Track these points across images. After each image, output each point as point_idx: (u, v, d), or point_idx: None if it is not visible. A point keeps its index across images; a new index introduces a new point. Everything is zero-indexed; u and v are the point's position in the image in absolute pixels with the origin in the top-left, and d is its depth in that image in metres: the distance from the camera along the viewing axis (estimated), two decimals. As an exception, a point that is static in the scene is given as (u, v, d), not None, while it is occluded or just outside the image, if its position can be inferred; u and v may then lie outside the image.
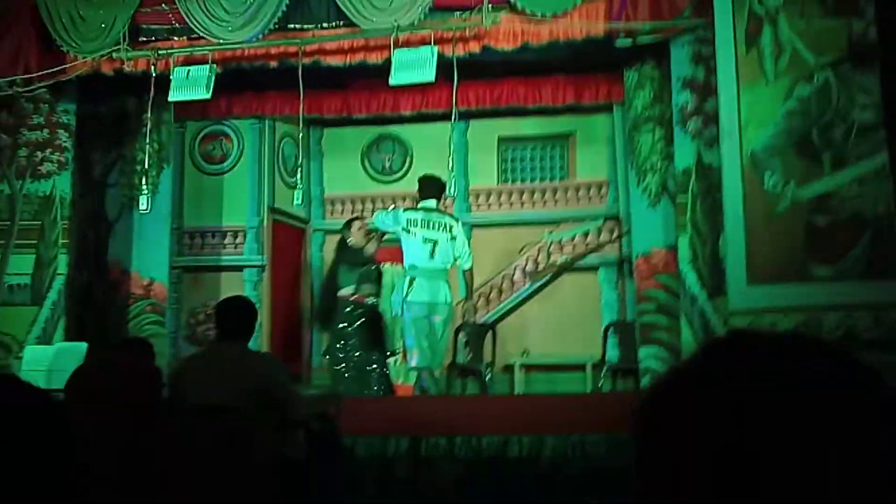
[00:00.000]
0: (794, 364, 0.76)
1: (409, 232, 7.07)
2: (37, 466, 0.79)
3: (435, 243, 7.05)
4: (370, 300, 7.57)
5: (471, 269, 7.28)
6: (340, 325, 7.48)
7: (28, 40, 7.63)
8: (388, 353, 7.90)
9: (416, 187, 7.50)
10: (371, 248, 7.67)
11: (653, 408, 0.80)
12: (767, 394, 0.74)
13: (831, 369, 0.77)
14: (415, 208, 7.29)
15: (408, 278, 7.04)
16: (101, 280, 8.17)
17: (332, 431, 5.71)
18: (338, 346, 7.50)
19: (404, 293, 7.01)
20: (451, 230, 7.14)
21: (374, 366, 7.44)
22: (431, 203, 7.21)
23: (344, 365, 7.41)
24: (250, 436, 4.87)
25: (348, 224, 8.02)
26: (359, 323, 7.46)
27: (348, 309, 7.46)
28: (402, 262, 9.56)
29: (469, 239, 7.42)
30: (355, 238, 7.67)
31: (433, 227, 7.11)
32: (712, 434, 0.74)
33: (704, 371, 0.79)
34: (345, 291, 7.54)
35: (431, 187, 7.29)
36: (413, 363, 7.13)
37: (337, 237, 8.31)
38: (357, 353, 7.42)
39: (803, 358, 0.77)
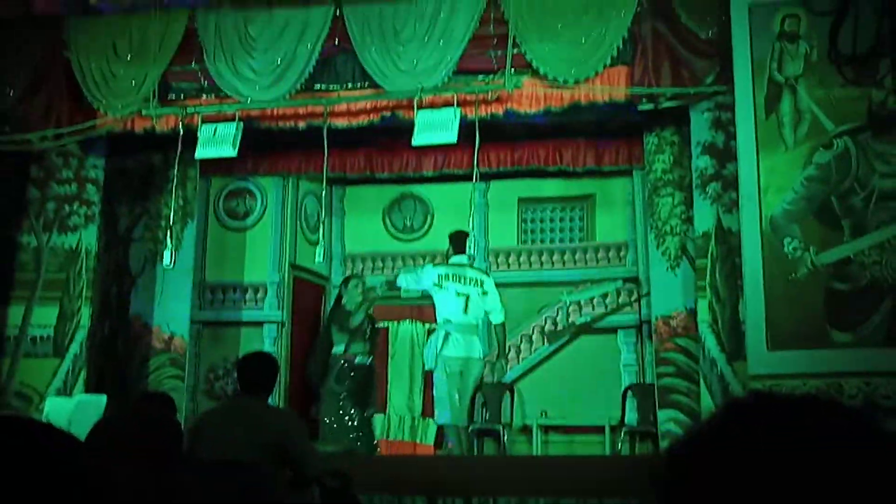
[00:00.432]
0: (814, 424, 0.78)
1: (441, 287, 7.12)
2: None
3: (467, 298, 7.09)
4: (359, 359, 7.69)
5: (502, 324, 7.31)
6: (332, 384, 7.59)
7: (60, 96, 7.80)
8: (372, 413, 8.01)
9: (447, 244, 7.55)
10: (363, 309, 7.80)
11: (676, 466, 0.82)
12: (789, 453, 0.76)
13: (850, 429, 0.78)
14: (446, 264, 7.34)
15: (442, 332, 7.06)
16: (123, 333, 8.24)
17: (346, 489, 5.70)
18: (330, 403, 7.62)
19: (438, 347, 7.01)
20: (482, 285, 7.20)
21: (355, 423, 7.56)
22: (462, 258, 7.26)
23: (335, 422, 7.49)
24: (266, 491, 4.87)
25: (345, 282, 8.21)
26: (349, 381, 7.60)
27: (339, 367, 7.61)
28: (421, 318, 9.64)
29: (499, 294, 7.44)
30: (350, 297, 7.84)
31: (465, 282, 7.16)
32: (735, 493, 0.76)
33: (727, 430, 0.80)
34: (336, 350, 7.70)
35: (462, 243, 7.35)
36: (442, 419, 7.09)
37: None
38: (351, 411, 7.53)
39: (823, 418, 0.79)
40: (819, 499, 0.74)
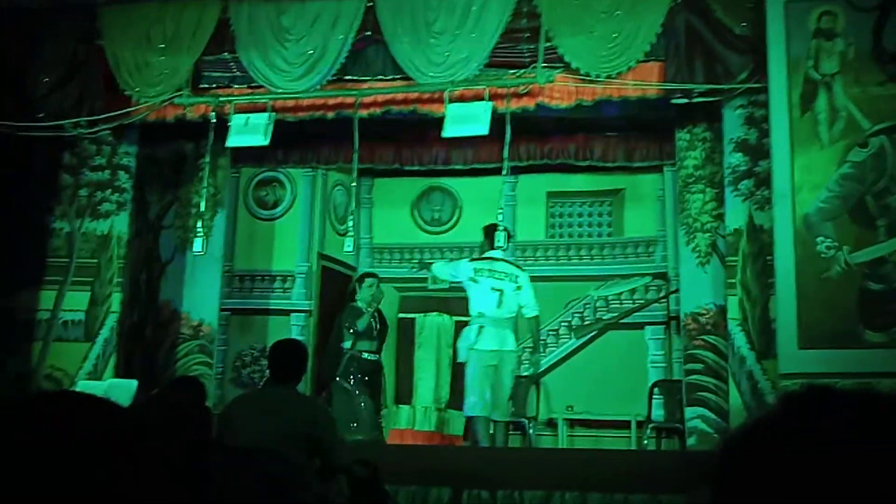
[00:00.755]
0: (875, 419, 0.78)
1: (475, 281, 7.13)
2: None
3: (501, 292, 7.10)
4: (366, 356, 7.81)
5: (536, 318, 7.31)
6: (341, 378, 7.74)
7: (93, 84, 7.87)
8: (379, 409, 8.13)
9: (480, 236, 7.54)
10: (368, 312, 7.94)
11: (732, 459, 0.81)
12: (850, 448, 0.75)
13: None
14: (481, 258, 7.33)
15: (476, 326, 7.07)
16: (153, 319, 8.31)
17: (374, 478, 5.73)
18: (339, 397, 7.70)
19: (472, 341, 7.02)
20: (516, 280, 7.21)
21: (366, 417, 7.64)
22: (497, 253, 7.26)
23: (346, 416, 7.56)
24: (294, 479, 4.91)
25: (360, 279, 8.27)
26: (356, 377, 7.67)
27: (347, 362, 7.69)
28: (447, 310, 9.66)
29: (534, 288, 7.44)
30: (362, 295, 7.91)
31: (500, 277, 7.16)
32: (794, 488, 0.76)
33: (786, 424, 0.80)
34: (345, 345, 7.80)
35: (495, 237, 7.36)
36: (470, 412, 7.10)
37: (382, 286, 8.43)
38: (361, 404, 7.61)
39: (885, 413, 0.79)
40: (882, 498, 0.73)
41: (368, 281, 8.20)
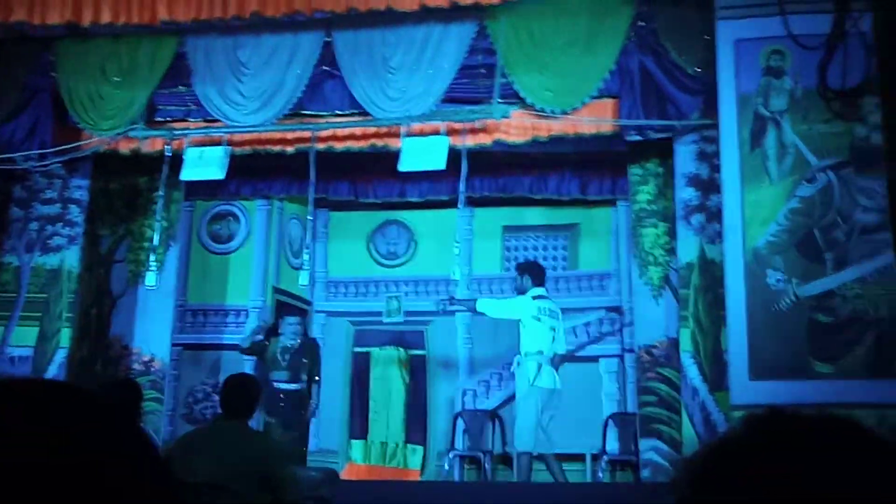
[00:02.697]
0: (834, 440, 0.80)
1: (539, 320, 7.13)
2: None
3: (555, 331, 7.15)
4: (279, 385, 7.79)
5: (565, 354, 7.38)
6: (267, 410, 7.74)
7: (45, 116, 7.80)
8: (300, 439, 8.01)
9: (523, 274, 7.44)
10: (279, 344, 7.95)
11: (694, 478, 0.83)
12: (809, 468, 0.77)
13: (869, 448, 0.80)
14: (540, 297, 7.29)
15: (535, 363, 7.06)
16: (103, 355, 8.18)
17: (329, 515, 5.66)
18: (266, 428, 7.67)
19: (531, 378, 7.02)
20: (559, 318, 7.27)
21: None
22: (544, 291, 7.29)
23: None
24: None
25: (280, 320, 8.31)
26: (274, 409, 7.67)
27: (272, 394, 7.64)
28: (402, 344, 9.63)
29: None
30: (284, 332, 8.00)
31: (555, 316, 7.22)
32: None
33: (746, 444, 0.82)
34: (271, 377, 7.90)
35: (541, 275, 7.39)
36: (522, 447, 7.10)
37: (336, 319, 8.39)
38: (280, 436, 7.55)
39: (842, 435, 0.81)
40: None
41: (290, 319, 8.19)
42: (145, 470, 0.80)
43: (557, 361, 7.27)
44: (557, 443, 7.21)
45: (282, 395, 7.80)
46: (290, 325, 8.09)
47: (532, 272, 7.43)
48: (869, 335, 5.78)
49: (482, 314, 7.58)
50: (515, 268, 7.83)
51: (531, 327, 7.13)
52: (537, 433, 7.04)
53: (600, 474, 7.93)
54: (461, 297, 7.74)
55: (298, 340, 8.04)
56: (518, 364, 7.19)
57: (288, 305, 9.10)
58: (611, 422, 8.26)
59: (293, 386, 7.88)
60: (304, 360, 8.01)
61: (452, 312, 9.54)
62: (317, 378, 8.06)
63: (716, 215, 6.67)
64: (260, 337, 8.23)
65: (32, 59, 7.83)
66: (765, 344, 5.96)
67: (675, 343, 7.01)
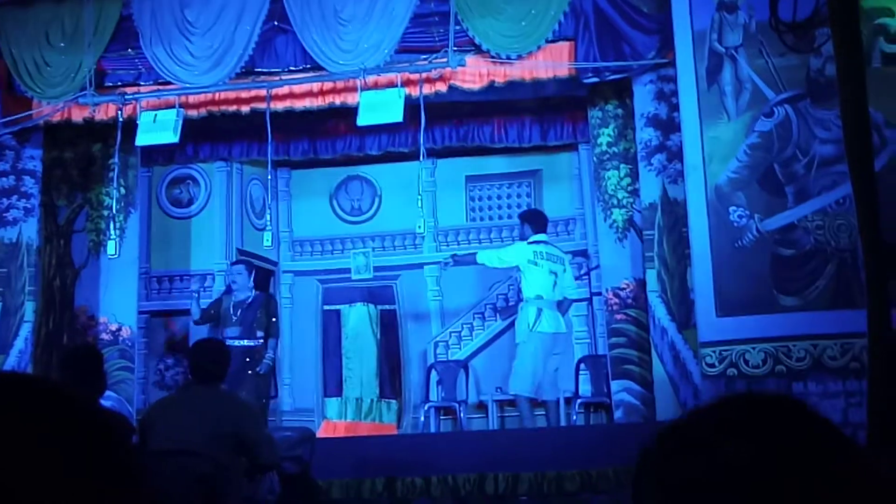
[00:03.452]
0: (771, 423, 0.81)
1: (536, 264, 7.11)
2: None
3: (556, 275, 7.12)
4: (236, 343, 7.39)
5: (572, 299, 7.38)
6: None
7: (-8, 87, 7.62)
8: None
9: (523, 223, 7.44)
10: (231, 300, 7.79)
11: (644, 460, 0.84)
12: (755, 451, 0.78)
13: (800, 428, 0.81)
14: (536, 241, 7.26)
15: (535, 308, 7.06)
16: (69, 327, 8.09)
17: (305, 474, 5.68)
18: None
19: (531, 323, 7.03)
20: (563, 262, 7.25)
21: None
22: (544, 237, 7.27)
23: None
24: (222, 479, 4.82)
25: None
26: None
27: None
28: (372, 301, 9.63)
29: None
30: (232, 282, 7.87)
31: (555, 260, 7.18)
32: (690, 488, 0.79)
33: (687, 429, 0.83)
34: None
35: (541, 221, 7.37)
36: (518, 391, 7.13)
37: (304, 278, 8.30)
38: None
39: (781, 417, 0.82)
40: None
41: (235, 268, 8.00)
42: (106, 464, 0.77)
43: (567, 305, 7.30)
44: (553, 388, 7.23)
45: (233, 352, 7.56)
46: (236, 273, 7.86)
47: (531, 219, 7.44)
48: (830, 266, 5.84)
49: (483, 265, 7.54)
50: (518, 217, 7.85)
51: (529, 273, 7.14)
52: (539, 378, 7.06)
53: (574, 417, 8.00)
54: (445, 251, 7.66)
55: (251, 294, 7.83)
56: (520, 310, 7.21)
57: (243, 260, 8.77)
58: (582, 365, 8.33)
59: (245, 342, 7.62)
60: (258, 315, 7.76)
61: (421, 265, 9.54)
62: (273, 334, 7.81)
63: (676, 154, 6.68)
64: (204, 307, 7.95)
65: (-26, 28, 7.63)
66: (730, 280, 6.01)
67: (642, 284, 7.06)
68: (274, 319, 7.85)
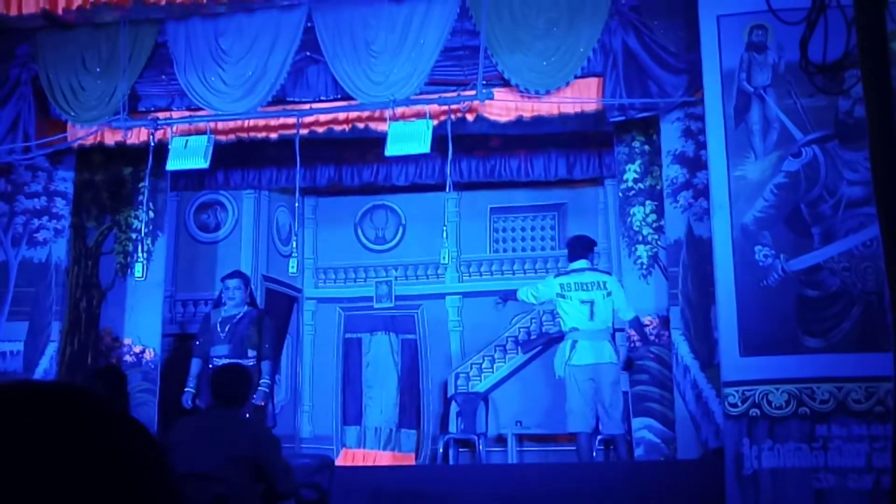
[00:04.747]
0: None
1: (564, 297, 7.06)
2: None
3: (592, 303, 7.02)
4: (221, 362, 6.94)
5: (634, 319, 7.12)
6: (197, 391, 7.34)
7: (28, 108, 7.74)
8: None
9: (567, 250, 7.42)
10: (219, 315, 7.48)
11: None
12: None
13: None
14: (566, 272, 7.25)
15: (570, 341, 7.00)
16: (94, 347, 8.16)
17: (323, 501, 5.68)
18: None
19: (566, 357, 6.97)
20: (605, 286, 7.08)
21: None
22: (582, 263, 7.19)
23: None
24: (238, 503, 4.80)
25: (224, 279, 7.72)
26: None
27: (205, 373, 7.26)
28: (394, 330, 9.65)
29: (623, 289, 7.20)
30: (226, 297, 7.51)
31: (588, 288, 7.08)
32: None
33: None
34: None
35: (580, 247, 7.28)
36: (573, 428, 7.05)
37: (326, 306, 8.35)
38: None
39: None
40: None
41: (229, 282, 7.52)
42: (152, 466, 0.79)
43: (631, 327, 7.07)
44: (612, 422, 7.02)
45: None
46: (234, 289, 7.38)
47: (569, 247, 7.38)
48: (856, 309, 5.80)
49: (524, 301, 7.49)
50: None
51: (560, 306, 7.10)
52: (591, 412, 6.96)
53: (594, 454, 7.94)
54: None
55: (242, 310, 7.40)
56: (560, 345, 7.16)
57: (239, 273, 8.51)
58: (603, 401, 8.26)
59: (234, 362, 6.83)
60: (249, 332, 7.28)
61: (443, 295, 9.56)
62: (267, 356, 7.28)
63: (703, 192, 6.67)
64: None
65: (14, 51, 7.77)
66: (754, 320, 5.97)
67: (665, 321, 7.02)
68: (267, 346, 7.33)
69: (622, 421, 7.09)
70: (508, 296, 7.73)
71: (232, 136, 7.65)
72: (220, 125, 7.55)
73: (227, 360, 6.91)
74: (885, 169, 2.69)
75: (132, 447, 0.78)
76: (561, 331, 7.35)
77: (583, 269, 7.21)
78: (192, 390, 7.36)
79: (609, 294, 7.06)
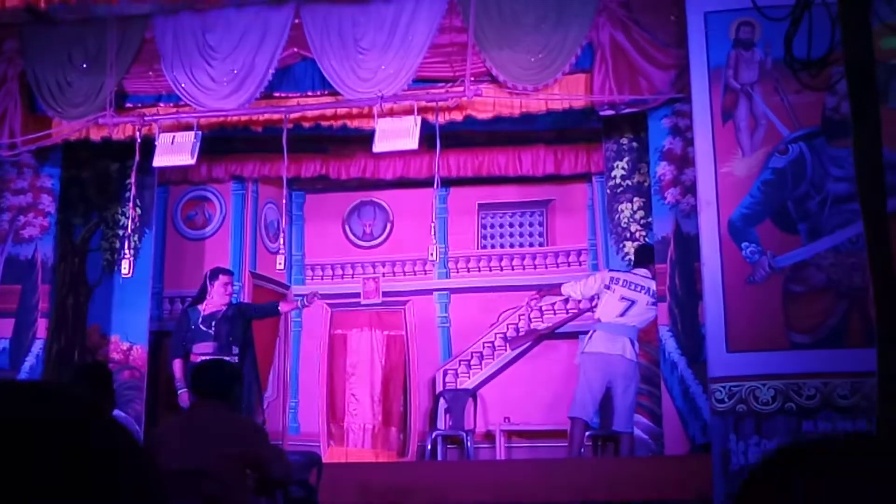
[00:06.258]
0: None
1: (609, 288, 7.12)
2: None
3: (632, 304, 7.06)
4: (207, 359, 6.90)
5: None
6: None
7: (14, 105, 7.69)
8: None
9: (634, 258, 7.40)
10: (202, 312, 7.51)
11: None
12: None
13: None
14: (623, 270, 7.30)
15: (590, 332, 7.11)
16: (80, 345, 8.12)
17: (311, 498, 5.68)
18: None
19: (584, 346, 7.10)
20: (651, 293, 7.09)
21: None
22: (642, 271, 7.17)
23: None
24: (229, 500, 4.81)
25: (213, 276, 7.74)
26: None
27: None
28: (380, 327, 9.64)
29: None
30: (217, 293, 7.55)
31: (634, 288, 7.11)
32: None
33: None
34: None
35: (645, 256, 7.23)
36: (573, 412, 7.10)
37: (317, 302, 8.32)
38: None
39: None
40: None
41: (224, 279, 7.61)
42: (132, 466, 0.78)
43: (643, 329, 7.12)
44: (620, 419, 7.05)
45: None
46: (225, 284, 7.47)
47: (636, 255, 7.37)
48: (842, 305, 5.83)
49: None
50: None
51: (602, 297, 7.18)
52: (592, 403, 7.03)
53: (582, 450, 7.96)
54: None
55: (224, 305, 7.41)
56: None
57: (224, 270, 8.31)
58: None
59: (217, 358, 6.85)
60: (235, 328, 7.33)
61: (430, 291, 9.56)
62: (250, 347, 7.33)
63: (690, 189, 6.69)
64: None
65: (-2, 47, 7.73)
66: (741, 316, 5.99)
67: (653, 317, 7.04)
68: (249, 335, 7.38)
69: (631, 420, 7.08)
70: (551, 289, 7.88)
71: (216, 129, 7.63)
72: (207, 119, 7.52)
73: (212, 357, 6.85)
74: (869, 165, 2.71)
75: (114, 448, 0.77)
76: (548, 327, 7.37)
77: (637, 273, 7.20)
78: (185, 389, 7.31)
79: (654, 303, 7.04)
